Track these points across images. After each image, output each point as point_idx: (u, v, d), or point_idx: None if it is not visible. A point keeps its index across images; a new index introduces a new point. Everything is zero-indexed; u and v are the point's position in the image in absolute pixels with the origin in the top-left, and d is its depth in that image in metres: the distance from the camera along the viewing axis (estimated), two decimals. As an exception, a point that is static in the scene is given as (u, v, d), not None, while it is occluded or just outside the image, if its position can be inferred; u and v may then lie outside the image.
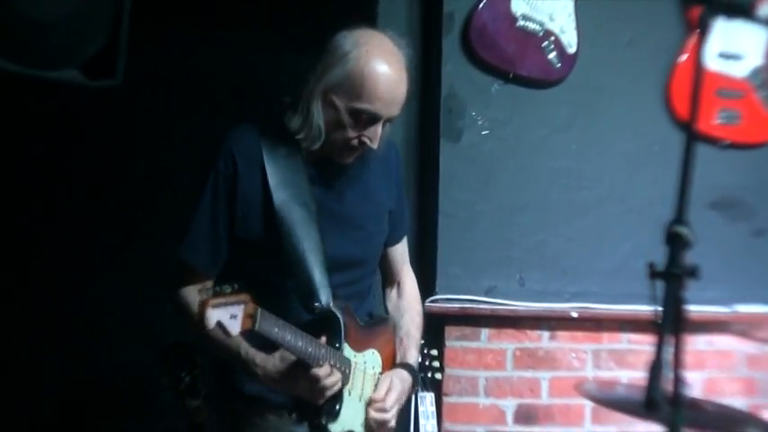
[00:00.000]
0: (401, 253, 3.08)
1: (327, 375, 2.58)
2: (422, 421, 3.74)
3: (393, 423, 2.86)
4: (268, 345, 2.58)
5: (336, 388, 2.63)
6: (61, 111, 4.38)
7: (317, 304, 2.65)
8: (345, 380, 2.68)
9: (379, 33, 2.69)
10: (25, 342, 4.39)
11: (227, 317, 2.30)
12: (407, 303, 3.06)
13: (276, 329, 2.45)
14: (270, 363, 2.60)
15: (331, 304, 2.68)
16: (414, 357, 2.98)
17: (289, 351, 2.53)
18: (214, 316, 2.28)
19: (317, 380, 2.56)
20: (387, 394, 2.80)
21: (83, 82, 3.79)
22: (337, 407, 2.66)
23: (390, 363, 2.92)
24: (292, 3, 4.46)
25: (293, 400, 2.69)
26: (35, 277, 4.44)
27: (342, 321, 2.70)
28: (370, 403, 2.78)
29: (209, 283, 2.69)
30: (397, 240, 3.04)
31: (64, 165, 4.47)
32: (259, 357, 2.61)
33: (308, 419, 2.68)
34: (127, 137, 4.52)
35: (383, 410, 2.78)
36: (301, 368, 2.56)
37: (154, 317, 3.90)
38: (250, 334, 2.44)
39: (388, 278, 3.08)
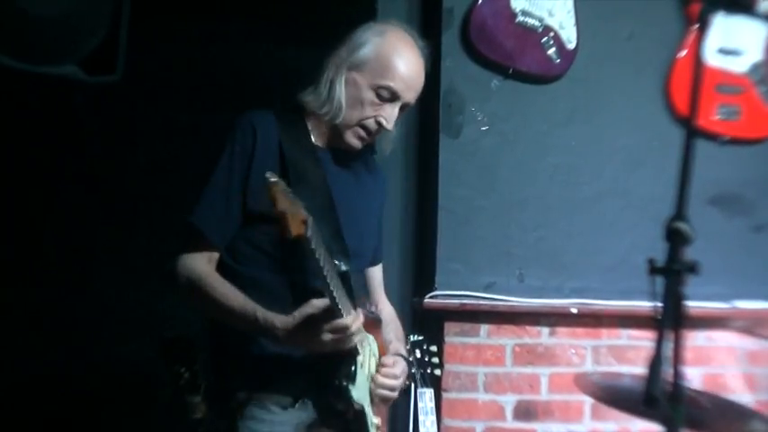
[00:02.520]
0: (378, 278, 3.12)
1: (354, 321, 2.56)
2: (421, 417, 3.74)
3: (397, 394, 2.85)
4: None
5: (358, 338, 2.61)
6: (61, 106, 4.38)
7: (337, 262, 2.61)
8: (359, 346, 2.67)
9: (403, 29, 2.83)
10: (24, 336, 4.39)
11: (288, 211, 2.26)
12: (388, 319, 3.06)
13: (317, 248, 2.39)
14: (290, 322, 2.54)
15: (349, 269, 2.65)
16: (404, 354, 3.00)
17: (318, 274, 2.44)
18: (281, 202, 2.25)
19: (345, 328, 2.53)
20: (394, 365, 2.82)
21: (82, 78, 3.79)
22: (353, 368, 2.63)
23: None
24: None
25: (307, 366, 2.65)
26: (34, 272, 4.44)
27: (354, 290, 2.68)
28: (377, 371, 2.77)
29: (216, 255, 2.71)
30: (375, 262, 3.08)
31: (63, 160, 4.47)
32: (278, 320, 2.55)
33: (325, 383, 2.63)
34: (127, 132, 4.51)
35: (393, 377, 2.79)
36: (324, 319, 2.51)
37: (154, 312, 3.91)
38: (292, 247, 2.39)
39: (366, 300, 3.06)
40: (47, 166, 4.45)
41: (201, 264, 2.69)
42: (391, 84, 2.72)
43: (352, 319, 2.55)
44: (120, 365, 4.41)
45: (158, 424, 4.25)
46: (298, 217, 2.27)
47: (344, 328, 2.53)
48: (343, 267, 2.62)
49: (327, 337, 2.52)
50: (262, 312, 2.57)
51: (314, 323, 2.52)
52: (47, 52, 3.88)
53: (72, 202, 4.46)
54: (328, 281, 2.45)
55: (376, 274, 3.10)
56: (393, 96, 2.73)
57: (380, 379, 2.77)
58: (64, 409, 4.48)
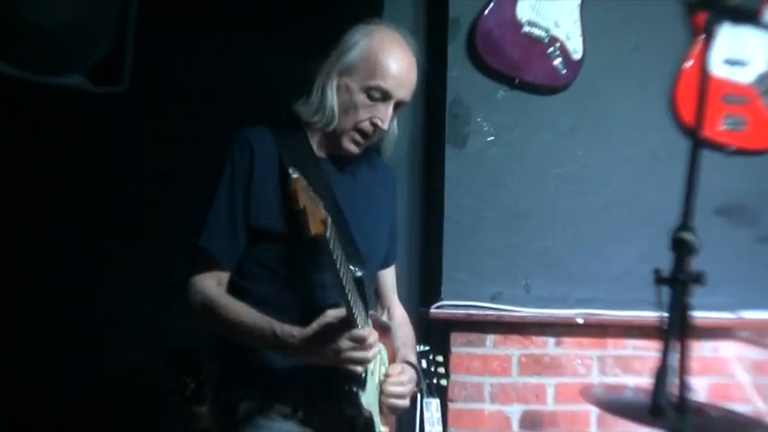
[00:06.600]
0: (390, 280, 3.11)
1: (370, 334, 2.56)
2: (427, 427, 3.74)
3: (407, 402, 2.84)
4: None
5: (374, 353, 2.60)
6: (67, 116, 4.39)
7: (352, 268, 2.60)
8: None
9: (390, 28, 2.81)
10: (30, 345, 4.40)
11: (309, 208, 2.25)
12: (399, 322, 3.07)
13: (335, 249, 2.39)
14: (308, 332, 2.52)
15: (363, 274, 2.65)
16: (414, 359, 2.99)
17: (335, 280, 2.44)
18: (303, 198, 2.23)
19: (362, 339, 2.52)
20: (400, 373, 2.81)
21: (89, 88, 3.80)
22: (363, 374, 2.62)
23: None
24: (298, 7, 4.47)
25: (312, 377, 2.64)
26: (40, 281, 4.45)
27: (368, 297, 2.69)
28: (384, 380, 2.76)
29: (225, 276, 2.70)
30: (388, 264, 3.07)
31: (70, 170, 4.48)
32: (296, 329, 2.54)
33: (335, 389, 2.61)
34: (133, 142, 4.52)
35: (400, 384, 2.78)
36: (341, 329, 2.50)
37: (159, 321, 3.92)
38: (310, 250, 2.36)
39: (378, 304, 3.07)
40: (53, 175, 4.46)
41: (212, 285, 2.69)
42: (381, 83, 2.69)
43: (369, 331, 2.56)
44: (126, 375, 4.41)
45: (164, 434, 4.26)
46: (318, 215, 2.27)
47: (362, 339, 2.52)
48: (359, 273, 2.62)
49: (345, 345, 2.51)
50: (279, 325, 2.56)
51: (331, 333, 2.51)
52: (53, 63, 3.89)
53: (78, 212, 4.47)
54: (344, 284, 2.44)
55: (388, 276, 3.09)
56: (385, 96, 2.71)
57: (389, 387, 2.76)
58: (70, 418, 4.49)
